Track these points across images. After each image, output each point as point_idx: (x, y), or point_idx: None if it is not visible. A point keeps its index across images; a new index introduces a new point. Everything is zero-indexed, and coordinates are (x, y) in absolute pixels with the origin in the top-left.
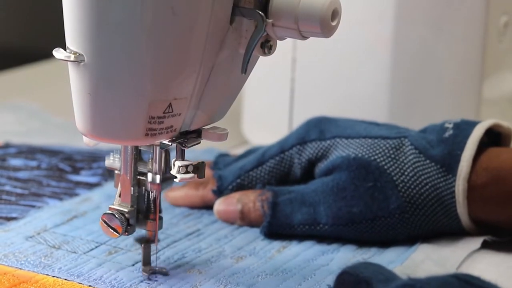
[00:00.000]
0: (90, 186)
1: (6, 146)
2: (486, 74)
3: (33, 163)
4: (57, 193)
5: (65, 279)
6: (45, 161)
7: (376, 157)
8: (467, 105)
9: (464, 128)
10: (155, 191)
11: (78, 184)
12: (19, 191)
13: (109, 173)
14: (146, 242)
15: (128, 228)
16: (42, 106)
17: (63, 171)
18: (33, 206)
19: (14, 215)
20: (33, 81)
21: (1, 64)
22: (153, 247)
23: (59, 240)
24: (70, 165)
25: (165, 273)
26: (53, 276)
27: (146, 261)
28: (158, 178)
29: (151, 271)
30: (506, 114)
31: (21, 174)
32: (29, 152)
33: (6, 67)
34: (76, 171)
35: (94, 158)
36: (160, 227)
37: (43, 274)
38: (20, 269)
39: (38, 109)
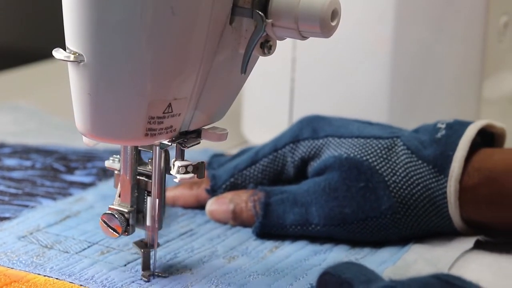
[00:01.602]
0: (84, 186)
1: (1, 146)
2: (486, 74)
3: (28, 163)
4: (50, 193)
5: (56, 279)
6: (39, 161)
7: (368, 157)
8: (467, 105)
9: (456, 128)
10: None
11: (72, 184)
12: (12, 191)
13: (103, 173)
14: (145, 247)
15: (127, 228)
16: (40, 106)
17: (58, 171)
18: (27, 206)
19: (7, 215)
20: (32, 81)
21: (1, 64)
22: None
23: (52, 240)
24: (65, 165)
25: (165, 277)
26: (45, 276)
27: (146, 266)
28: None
29: (150, 275)
30: (506, 114)
31: (15, 174)
32: (23, 152)
33: (6, 67)
34: (70, 171)
35: (89, 158)
36: (160, 227)
37: (35, 273)
38: (12, 268)
39: (35, 110)
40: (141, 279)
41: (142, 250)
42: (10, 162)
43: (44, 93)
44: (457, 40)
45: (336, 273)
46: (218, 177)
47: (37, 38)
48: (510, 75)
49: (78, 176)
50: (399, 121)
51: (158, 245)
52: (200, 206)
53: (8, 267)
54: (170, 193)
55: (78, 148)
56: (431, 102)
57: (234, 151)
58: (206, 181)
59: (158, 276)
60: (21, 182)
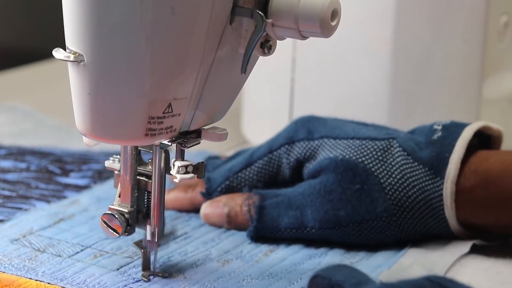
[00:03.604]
0: (79, 188)
1: None
2: (486, 74)
3: (23, 165)
4: (45, 196)
5: (48, 283)
6: (34, 163)
7: (363, 159)
8: (467, 105)
9: (453, 130)
10: (156, 193)
11: (67, 186)
12: (6, 193)
13: (98, 176)
14: (145, 247)
15: (127, 229)
16: (37, 107)
17: (53, 173)
18: (20, 209)
19: (0, 217)
20: (32, 81)
21: (1, 64)
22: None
23: (44, 243)
24: (60, 167)
25: (165, 277)
26: (36, 280)
27: (146, 266)
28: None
29: (150, 276)
30: (506, 114)
31: (10, 176)
32: (19, 153)
33: (6, 67)
34: (65, 173)
35: (84, 160)
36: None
37: (26, 277)
38: (4, 272)
39: (32, 111)
40: (142, 279)
41: (142, 250)
42: (4, 164)
43: (42, 93)
44: (457, 40)
45: (327, 276)
46: (213, 180)
47: (37, 38)
48: (510, 75)
49: (73, 179)
50: (399, 121)
51: (158, 245)
52: (195, 209)
53: (0, 271)
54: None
55: (74, 150)
56: (431, 102)
57: (234, 151)
58: (201, 184)
59: (159, 276)
60: (15, 184)
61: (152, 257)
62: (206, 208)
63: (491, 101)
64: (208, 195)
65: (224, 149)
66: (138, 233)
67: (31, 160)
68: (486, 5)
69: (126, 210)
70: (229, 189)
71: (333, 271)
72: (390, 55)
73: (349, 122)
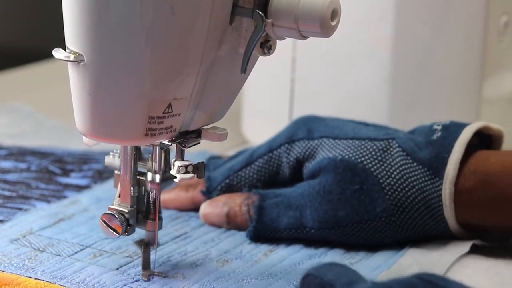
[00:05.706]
0: (80, 188)
1: None
2: (486, 74)
3: (23, 165)
4: (45, 196)
5: (48, 282)
6: (35, 163)
7: (363, 159)
8: (467, 105)
9: (452, 130)
10: (154, 191)
11: (67, 186)
12: (7, 193)
13: (99, 176)
14: (146, 245)
15: (127, 228)
16: (37, 107)
17: (53, 173)
18: (20, 209)
19: (0, 218)
20: (31, 82)
21: (1, 64)
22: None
23: (44, 243)
24: (60, 167)
25: (164, 277)
26: (36, 279)
27: (146, 265)
28: (157, 177)
29: (150, 275)
30: (506, 114)
31: (10, 176)
32: (19, 154)
33: (6, 67)
34: (66, 173)
35: (85, 160)
36: (160, 227)
37: (26, 276)
38: (3, 271)
39: (32, 111)
40: (141, 278)
41: (142, 249)
42: (5, 164)
43: (42, 94)
44: (457, 40)
45: (319, 275)
46: (213, 178)
47: (37, 38)
48: (510, 75)
49: (73, 179)
50: (399, 121)
51: (158, 244)
52: (195, 208)
53: None
54: (165, 196)
55: (74, 150)
56: (431, 102)
57: (234, 151)
58: (202, 183)
59: (158, 275)
60: (15, 185)
61: (152, 256)
62: (206, 208)
63: (491, 101)
64: (209, 193)
65: (224, 149)
66: (138, 233)
67: (31, 161)
68: (486, 5)
69: (126, 210)
70: (229, 188)
71: (324, 270)
72: (390, 55)
73: (349, 122)
